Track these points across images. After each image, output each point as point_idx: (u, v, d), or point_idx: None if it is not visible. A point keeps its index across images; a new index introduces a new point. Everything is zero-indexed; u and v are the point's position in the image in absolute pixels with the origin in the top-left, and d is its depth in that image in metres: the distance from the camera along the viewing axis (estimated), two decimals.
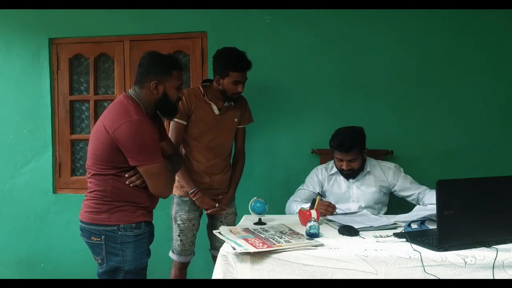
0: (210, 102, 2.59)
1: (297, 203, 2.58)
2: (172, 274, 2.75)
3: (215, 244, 2.69)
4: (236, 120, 2.69)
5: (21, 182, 3.39)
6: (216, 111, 2.60)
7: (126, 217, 2.06)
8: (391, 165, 2.69)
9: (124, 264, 2.06)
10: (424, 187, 2.61)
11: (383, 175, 2.64)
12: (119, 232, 2.05)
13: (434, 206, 2.34)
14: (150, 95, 2.08)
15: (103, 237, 2.05)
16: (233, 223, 2.74)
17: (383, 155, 2.98)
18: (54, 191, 3.39)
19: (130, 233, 2.06)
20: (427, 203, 2.52)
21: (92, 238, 2.08)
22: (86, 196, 2.13)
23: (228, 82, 2.52)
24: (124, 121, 1.97)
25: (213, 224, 2.72)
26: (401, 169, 2.68)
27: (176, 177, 2.54)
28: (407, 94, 3.05)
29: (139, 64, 2.12)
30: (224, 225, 2.61)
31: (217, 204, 2.64)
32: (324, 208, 2.39)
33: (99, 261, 2.10)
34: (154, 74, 2.06)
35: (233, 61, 2.51)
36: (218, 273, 1.86)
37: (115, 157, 2.01)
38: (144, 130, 1.98)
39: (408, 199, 2.66)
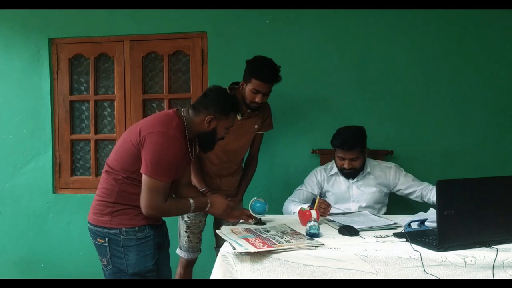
0: None
1: (294, 203, 2.57)
2: (177, 272, 2.75)
3: (220, 242, 2.69)
4: (256, 126, 2.67)
5: (21, 182, 3.39)
6: (239, 116, 2.56)
7: (128, 220, 2.05)
8: (391, 164, 2.69)
9: (128, 267, 2.06)
10: (426, 183, 2.61)
11: (384, 175, 2.64)
12: (121, 236, 2.04)
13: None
14: (201, 125, 2.09)
15: (106, 239, 2.06)
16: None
17: (383, 155, 2.99)
18: (54, 191, 3.39)
19: (133, 236, 2.05)
20: (432, 199, 2.51)
21: (98, 239, 2.08)
22: (96, 193, 2.14)
23: (249, 89, 2.48)
24: (159, 131, 1.99)
25: (219, 222, 2.72)
26: (402, 168, 2.68)
27: None
28: (407, 94, 3.05)
29: (205, 93, 2.13)
30: (230, 224, 2.61)
31: None
32: (318, 206, 2.38)
33: (105, 262, 2.10)
34: (214, 110, 2.08)
35: (258, 68, 2.46)
36: (217, 273, 1.86)
37: (135, 160, 2.01)
38: (171, 147, 1.98)
39: (412, 196, 2.65)
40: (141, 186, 2.02)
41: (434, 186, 2.50)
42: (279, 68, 2.51)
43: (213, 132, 2.12)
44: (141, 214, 2.05)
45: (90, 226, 2.11)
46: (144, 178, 1.99)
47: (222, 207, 2.21)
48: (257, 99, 2.48)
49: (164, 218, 2.24)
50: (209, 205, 2.17)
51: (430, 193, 2.56)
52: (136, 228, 2.05)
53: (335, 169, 2.68)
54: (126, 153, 2.04)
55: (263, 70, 2.46)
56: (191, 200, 2.12)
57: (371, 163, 2.68)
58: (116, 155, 2.09)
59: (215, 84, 2.21)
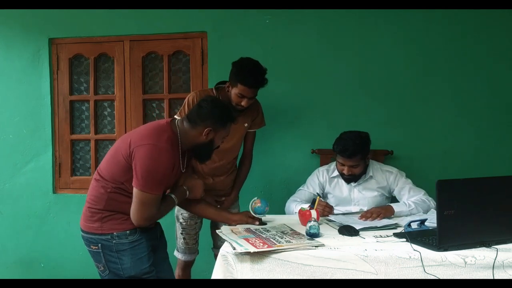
0: None
1: (296, 203, 2.58)
2: (175, 274, 2.75)
3: (217, 243, 2.69)
4: (246, 125, 2.66)
5: (21, 182, 3.39)
6: None
7: (119, 225, 2.05)
8: (393, 169, 2.66)
9: (123, 271, 2.06)
10: (421, 194, 2.53)
11: (385, 179, 2.63)
12: (113, 241, 2.04)
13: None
14: (198, 137, 2.07)
15: (99, 245, 2.06)
16: None
17: (383, 155, 2.98)
18: (54, 191, 3.39)
19: (125, 240, 2.05)
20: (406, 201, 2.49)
21: (92, 246, 2.08)
22: (86, 199, 2.14)
23: (235, 92, 2.46)
24: (149, 143, 1.97)
25: (216, 223, 2.72)
26: (404, 174, 2.65)
27: None
28: (407, 94, 3.05)
29: (199, 105, 2.10)
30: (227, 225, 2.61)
31: (218, 206, 2.64)
32: (321, 208, 2.39)
33: (102, 268, 2.10)
34: (212, 121, 2.06)
35: (244, 73, 2.42)
36: (218, 273, 1.86)
37: (125, 172, 2.00)
38: (161, 159, 1.97)
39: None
40: (130, 195, 2.01)
41: (422, 196, 2.49)
42: (265, 70, 2.48)
43: (211, 143, 2.11)
44: (130, 218, 2.05)
45: (83, 234, 2.11)
46: (136, 191, 1.98)
47: (199, 187, 2.21)
48: (243, 103, 2.47)
49: (160, 221, 2.25)
50: (187, 191, 2.17)
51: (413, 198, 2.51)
52: (128, 231, 2.05)
53: (337, 171, 2.67)
54: (116, 164, 2.03)
55: (249, 76, 2.42)
56: (173, 196, 2.12)
57: (374, 167, 2.66)
58: (107, 164, 2.08)
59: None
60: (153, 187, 1.97)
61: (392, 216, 2.37)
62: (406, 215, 2.38)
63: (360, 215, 2.36)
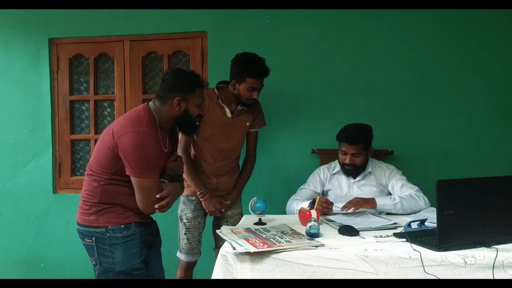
0: (223, 105, 2.58)
1: (297, 201, 2.58)
2: (177, 275, 2.76)
3: (219, 243, 2.70)
4: (248, 124, 2.68)
5: (21, 182, 3.39)
6: (229, 114, 2.59)
7: (114, 218, 2.06)
8: (391, 166, 2.68)
9: (114, 265, 2.06)
10: (412, 190, 2.52)
11: (382, 175, 2.64)
12: (107, 234, 2.05)
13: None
14: (171, 111, 2.08)
15: (93, 238, 2.07)
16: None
17: (383, 155, 2.98)
18: (54, 191, 3.39)
19: (119, 234, 2.06)
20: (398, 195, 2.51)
21: (86, 240, 2.09)
22: (81, 195, 2.15)
23: (244, 88, 2.49)
24: (131, 130, 1.98)
25: (218, 223, 2.73)
26: (400, 171, 2.66)
27: (184, 177, 2.54)
28: (407, 94, 3.05)
29: (162, 79, 2.12)
30: (229, 225, 2.61)
31: (223, 210, 2.65)
32: (320, 204, 2.38)
33: (93, 262, 2.12)
34: (178, 91, 2.06)
35: (250, 67, 2.47)
36: (218, 273, 1.86)
37: (113, 163, 2.02)
38: (147, 143, 1.98)
39: None
40: (125, 185, 2.03)
41: (407, 195, 2.48)
42: (264, 60, 2.53)
43: (186, 113, 2.10)
44: (127, 211, 2.07)
45: (78, 227, 2.13)
46: (134, 180, 2.00)
47: (180, 165, 2.23)
48: (254, 96, 2.52)
49: (160, 220, 2.24)
50: (171, 173, 2.15)
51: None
52: (122, 226, 2.06)
53: (337, 168, 2.68)
54: (104, 156, 2.04)
55: (255, 68, 2.48)
56: (165, 180, 2.10)
57: (373, 163, 2.68)
58: (95, 158, 2.09)
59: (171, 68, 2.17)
60: (148, 171, 1.99)
61: (376, 209, 2.39)
62: (389, 209, 2.41)
63: (342, 207, 2.39)
